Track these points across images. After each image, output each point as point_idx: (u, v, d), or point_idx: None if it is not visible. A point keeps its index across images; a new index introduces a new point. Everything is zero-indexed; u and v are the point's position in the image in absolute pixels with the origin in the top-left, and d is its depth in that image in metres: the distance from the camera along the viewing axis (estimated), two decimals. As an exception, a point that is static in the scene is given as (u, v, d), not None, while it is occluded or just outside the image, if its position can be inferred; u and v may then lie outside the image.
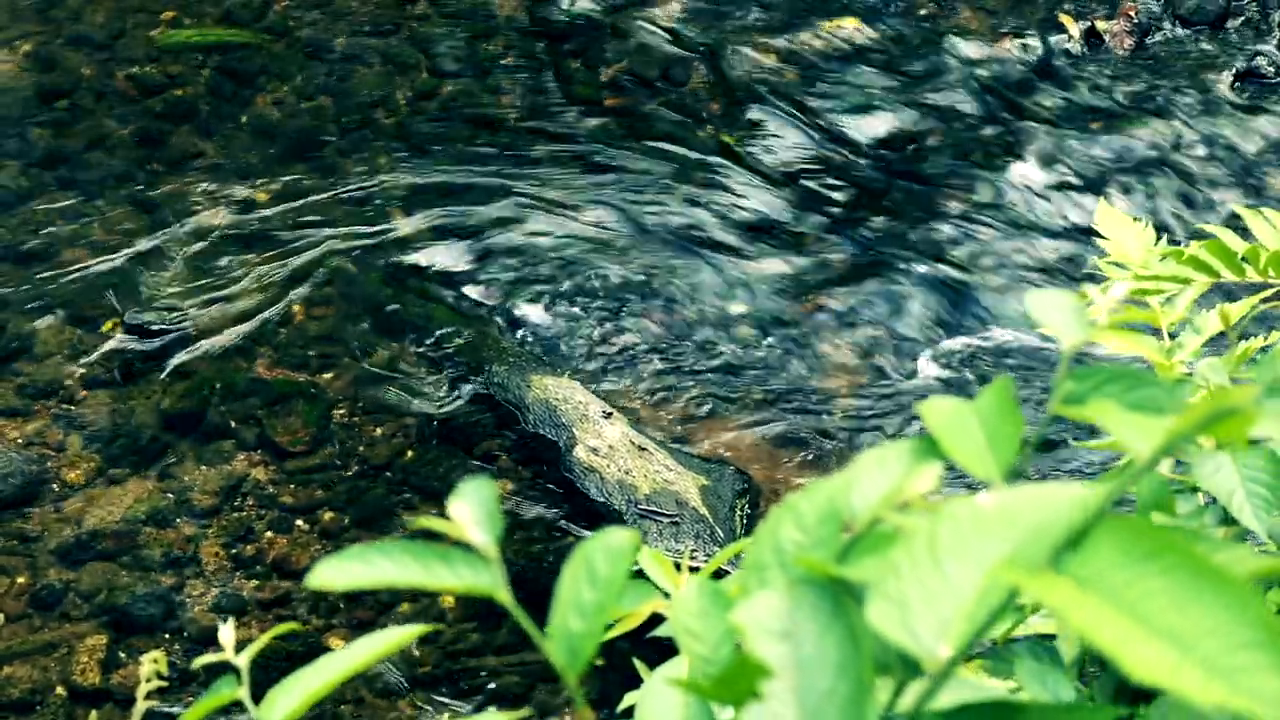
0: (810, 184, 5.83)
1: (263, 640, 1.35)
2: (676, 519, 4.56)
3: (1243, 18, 6.57)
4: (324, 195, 5.71)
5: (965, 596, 0.91)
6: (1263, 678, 0.81)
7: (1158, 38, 6.49)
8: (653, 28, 6.47)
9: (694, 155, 5.91)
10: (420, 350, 5.17)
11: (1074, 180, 5.84)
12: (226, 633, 1.35)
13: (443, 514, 1.08)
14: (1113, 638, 0.82)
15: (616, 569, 1.07)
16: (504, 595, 1.06)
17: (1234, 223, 4.96)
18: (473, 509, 1.06)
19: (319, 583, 1.05)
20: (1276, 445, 1.77)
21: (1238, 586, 0.83)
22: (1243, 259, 2.17)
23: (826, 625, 0.94)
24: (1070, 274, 5.45)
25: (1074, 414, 0.98)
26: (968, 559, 0.92)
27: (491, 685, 4.31)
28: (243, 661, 1.31)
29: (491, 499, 1.07)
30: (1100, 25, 6.46)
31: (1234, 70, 6.31)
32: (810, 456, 4.90)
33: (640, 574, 1.64)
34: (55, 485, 4.76)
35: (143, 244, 5.50)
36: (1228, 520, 1.88)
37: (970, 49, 6.40)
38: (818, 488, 1.06)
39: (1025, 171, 5.87)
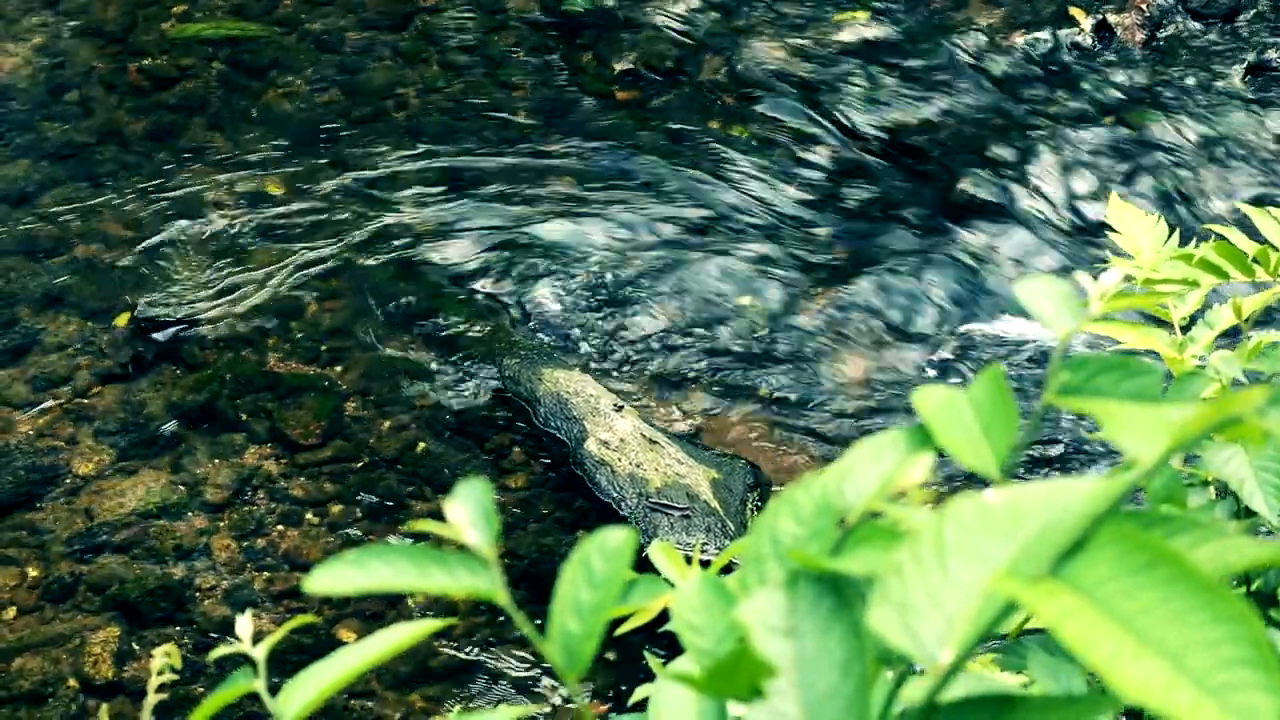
0: (821, 177, 5.83)
1: (280, 633, 1.35)
2: (688, 512, 4.56)
3: (1254, 11, 6.55)
4: (335, 188, 5.71)
5: (970, 599, 0.89)
6: (1254, 696, 0.80)
7: (1169, 31, 6.47)
8: (664, 21, 6.47)
9: (705, 148, 5.90)
10: (431, 343, 5.17)
11: (1084, 174, 5.83)
12: (244, 625, 1.35)
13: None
14: (1106, 655, 0.81)
15: (614, 569, 1.06)
16: (502, 597, 1.05)
17: (1245, 218, 4.95)
18: (469, 510, 1.05)
19: (316, 588, 1.04)
20: None
21: (1233, 602, 0.82)
22: (1253, 260, 2.16)
23: (828, 622, 0.93)
24: (1081, 268, 5.44)
25: (1068, 404, 0.97)
26: (974, 559, 0.90)
27: (503, 678, 4.31)
28: (260, 654, 1.30)
29: (487, 500, 1.07)
30: (1111, 18, 6.45)
31: (1245, 64, 6.29)
32: (821, 449, 4.90)
33: (652, 568, 1.63)
34: (66, 478, 4.76)
35: (154, 237, 5.51)
36: (1239, 513, 1.88)
37: (980, 42, 6.39)
38: (813, 479, 1.06)
39: (1035, 165, 5.86)
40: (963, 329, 5.29)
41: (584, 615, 1.06)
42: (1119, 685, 0.81)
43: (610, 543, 1.09)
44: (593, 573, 1.08)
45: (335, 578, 1.05)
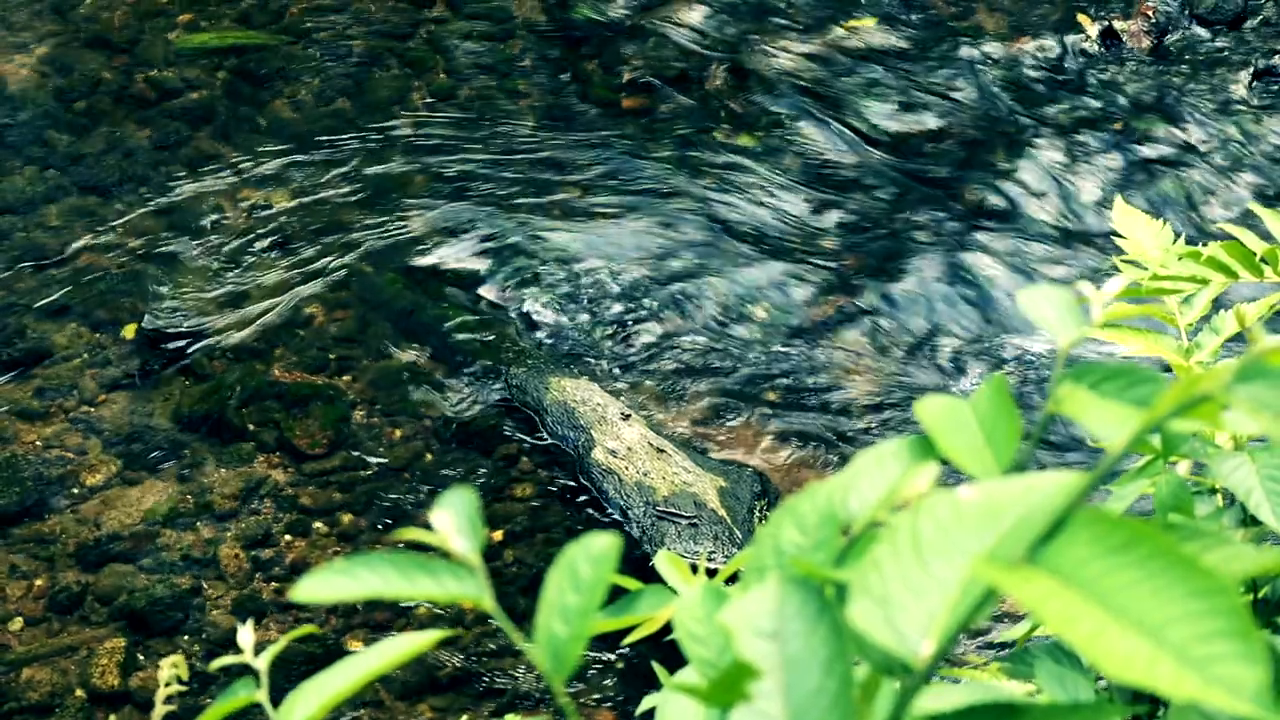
0: (828, 184, 5.83)
1: (282, 643, 1.35)
2: (695, 521, 4.55)
3: (1260, 17, 6.55)
4: (341, 197, 5.71)
5: (949, 592, 0.90)
6: (1235, 666, 0.81)
7: (1175, 37, 6.47)
8: (670, 28, 6.47)
9: (712, 156, 5.90)
10: (438, 352, 5.17)
11: (1091, 180, 5.83)
12: (246, 635, 1.35)
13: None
14: (1087, 633, 0.82)
15: (599, 573, 1.07)
16: (488, 602, 1.05)
17: (1252, 222, 4.94)
18: (454, 518, 1.06)
19: (303, 597, 1.04)
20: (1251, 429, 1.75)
21: (1211, 576, 0.83)
22: (1262, 260, 2.16)
23: (813, 623, 0.93)
24: (1088, 275, 5.43)
25: (1069, 412, 0.97)
26: (951, 554, 0.91)
27: (510, 686, 4.31)
28: (262, 664, 1.30)
29: (473, 508, 1.07)
30: (1118, 25, 6.45)
31: (1252, 69, 6.29)
32: (828, 458, 4.90)
33: (660, 577, 1.63)
34: (74, 488, 4.77)
35: (161, 247, 5.51)
36: (1246, 522, 1.87)
37: (987, 49, 6.39)
38: (818, 489, 1.06)
39: (1042, 172, 5.85)
40: (970, 337, 5.28)
41: (570, 619, 1.06)
42: (1102, 662, 0.82)
43: (595, 547, 1.09)
44: (578, 577, 1.08)
45: (322, 586, 1.05)
